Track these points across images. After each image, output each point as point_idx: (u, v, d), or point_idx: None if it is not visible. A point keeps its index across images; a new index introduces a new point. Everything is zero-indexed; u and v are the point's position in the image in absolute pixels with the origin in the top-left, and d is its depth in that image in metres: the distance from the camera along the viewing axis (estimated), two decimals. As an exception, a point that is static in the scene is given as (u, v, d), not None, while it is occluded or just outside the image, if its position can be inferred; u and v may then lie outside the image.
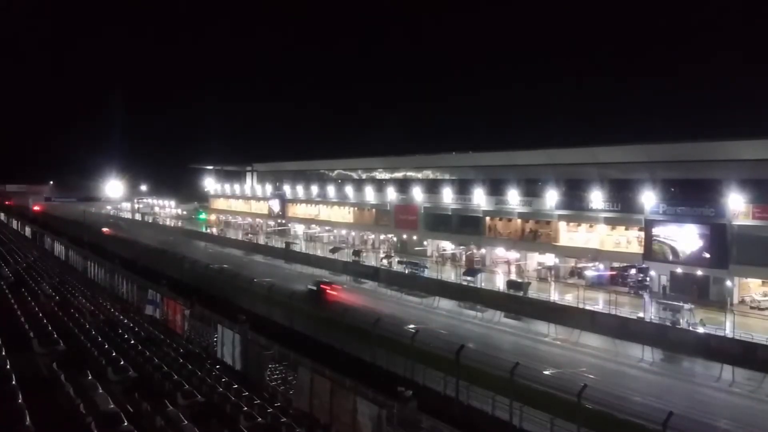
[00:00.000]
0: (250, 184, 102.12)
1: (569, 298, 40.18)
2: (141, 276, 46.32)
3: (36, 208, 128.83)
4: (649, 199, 43.66)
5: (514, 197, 53.74)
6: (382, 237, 70.34)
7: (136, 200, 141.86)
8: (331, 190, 76.68)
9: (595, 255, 47.47)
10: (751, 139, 41.54)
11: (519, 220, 54.26)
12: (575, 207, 49.48)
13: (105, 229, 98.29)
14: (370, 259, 60.44)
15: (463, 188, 60.25)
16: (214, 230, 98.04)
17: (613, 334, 34.73)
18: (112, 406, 17.44)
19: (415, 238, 64.34)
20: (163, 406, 18.26)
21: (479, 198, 56.91)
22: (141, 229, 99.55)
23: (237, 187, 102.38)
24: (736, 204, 39.21)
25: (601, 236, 47.96)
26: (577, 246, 49.32)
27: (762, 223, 38.39)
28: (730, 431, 23.17)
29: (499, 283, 46.01)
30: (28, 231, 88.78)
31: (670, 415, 16.58)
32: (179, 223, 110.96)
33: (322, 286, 48.50)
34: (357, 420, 18.30)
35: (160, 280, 41.84)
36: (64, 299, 38.73)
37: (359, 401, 18.60)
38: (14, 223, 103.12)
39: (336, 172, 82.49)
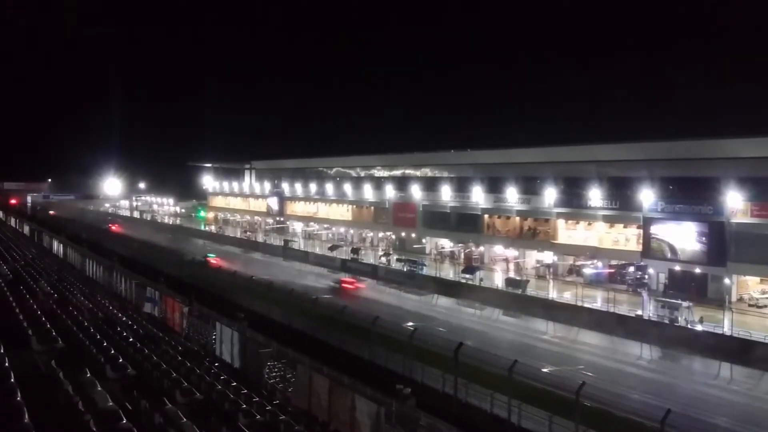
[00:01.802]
0: (249, 182, 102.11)
1: (568, 296, 40.21)
2: (139, 274, 46.28)
3: (12, 201, 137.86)
4: (647, 196, 43.69)
5: (512, 195, 53.75)
6: (380, 235, 70.37)
7: (134, 198, 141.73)
8: (329, 187, 76.66)
9: (594, 253, 47.53)
10: (749, 137, 41.66)
11: (517, 218, 54.28)
12: (574, 205, 49.52)
13: (51, 212, 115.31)
14: (368, 257, 60.51)
15: (461, 186, 60.24)
16: (213, 228, 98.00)
17: (612, 332, 34.79)
18: (110, 403, 17.38)
19: (413, 235, 64.41)
20: (161, 404, 18.19)
21: (478, 196, 56.93)
22: (139, 227, 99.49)
23: (236, 184, 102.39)
24: (735, 202, 39.21)
25: (600, 234, 48.00)
26: (575, 244, 49.35)
27: (760, 221, 38.42)
28: (727, 429, 23.23)
29: (498, 281, 46.06)
30: (26, 229, 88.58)
31: (668, 413, 16.61)
32: (177, 221, 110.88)
33: (110, 225, 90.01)
34: (355, 417, 18.29)
35: (159, 278, 41.79)
36: (63, 297, 38.60)
37: (358, 399, 18.58)
38: (12, 221, 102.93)
39: (334, 170, 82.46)
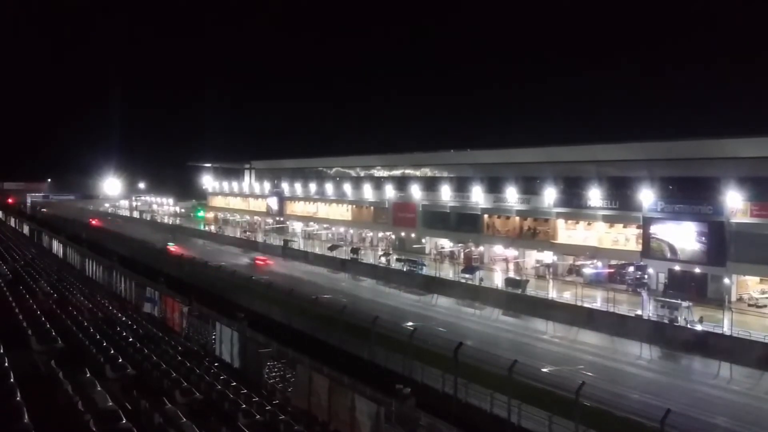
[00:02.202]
0: (249, 181, 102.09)
1: (567, 296, 40.22)
2: (139, 273, 46.25)
3: (9, 201, 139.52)
4: (647, 196, 43.69)
5: (512, 195, 53.75)
6: (380, 235, 70.36)
7: (134, 198, 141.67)
8: (329, 187, 76.66)
9: (593, 253, 47.52)
10: (749, 136, 41.68)
11: (517, 218, 54.28)
12: (573, 205, 49.51)
13: (44, 210, 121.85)
14: (368, 257, 60.49)
15: (461, 186, 60.25)
16: (212, 228, 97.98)
17: (611, 332, 34.80)
18: (110, 403, 17.38)
19: (413, 235, 64.39)
20: (161, 404, 18.19)
21: (477, 196, 56.93)
22: (138, 227, 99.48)
23: (235, 184, 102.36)
24: (734, 202, 39.22)
25: (599, 234, 48.00)
26: (575, 244, 49.35)
27: (760, 221, 38.43)
28: (727, 429, 23.22)
29: (498, 281, 46.05)
30: (26, 229, 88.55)
31: (668, 413, 16.60)
32: (177, 221, 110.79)
33: (90, 219, 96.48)
34: (355, 417, 18.29)
35: (158, 278, 41.76)
36: (62, 297, 38.59)
37: (357, 399, 18.57)
38: (12, 221, 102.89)
39: (334, 169, 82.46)
